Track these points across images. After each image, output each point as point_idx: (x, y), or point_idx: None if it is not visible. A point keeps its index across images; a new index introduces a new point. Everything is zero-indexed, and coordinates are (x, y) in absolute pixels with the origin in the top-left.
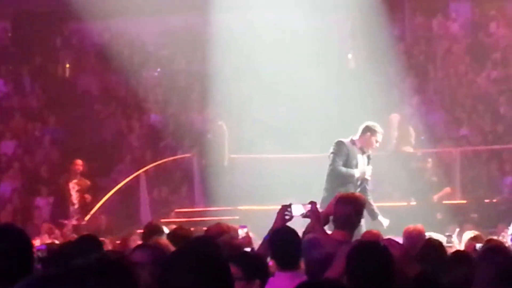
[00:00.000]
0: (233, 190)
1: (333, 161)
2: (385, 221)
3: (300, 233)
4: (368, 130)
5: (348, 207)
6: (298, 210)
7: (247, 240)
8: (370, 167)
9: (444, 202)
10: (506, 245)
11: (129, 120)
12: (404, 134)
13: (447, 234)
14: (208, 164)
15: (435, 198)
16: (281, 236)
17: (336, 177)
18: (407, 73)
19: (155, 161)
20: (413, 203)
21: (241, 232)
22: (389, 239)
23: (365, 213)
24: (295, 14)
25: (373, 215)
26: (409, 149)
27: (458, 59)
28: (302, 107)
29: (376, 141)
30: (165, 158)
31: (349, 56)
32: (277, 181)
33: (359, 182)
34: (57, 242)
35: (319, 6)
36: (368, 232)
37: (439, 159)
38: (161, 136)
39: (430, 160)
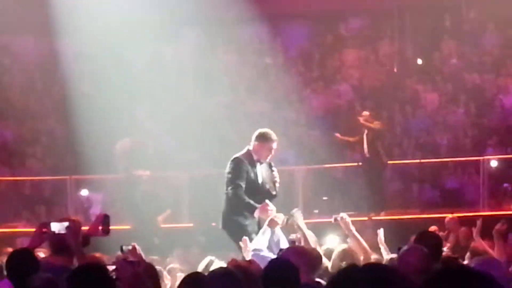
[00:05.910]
0: None
1: (234, 186)
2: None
3: None
4: (260, 138)
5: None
6: (56, 227)
7: None
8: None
9: (169, 225)
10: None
11: None
12: (137, 157)
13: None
14: None
15: (160, 219)
16: (17, 258)
17: (235, 203)
18: (139, 100)
19: None
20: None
21: None
22: (119, 261)
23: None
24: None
25: None
26: (143, 172)
27: (187, 85)
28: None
29: (271, 149)
30: None
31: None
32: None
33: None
34: None
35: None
36: (91, 256)
37: (167, 183)
38: None
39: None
